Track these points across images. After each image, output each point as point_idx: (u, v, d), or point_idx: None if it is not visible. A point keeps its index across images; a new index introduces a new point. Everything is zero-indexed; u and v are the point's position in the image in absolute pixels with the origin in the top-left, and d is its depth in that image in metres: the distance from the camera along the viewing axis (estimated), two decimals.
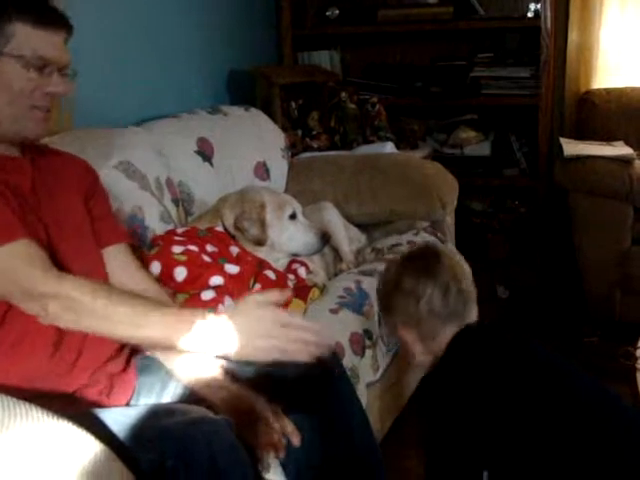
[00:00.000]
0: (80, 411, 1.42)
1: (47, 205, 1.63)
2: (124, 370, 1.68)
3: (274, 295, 1.49)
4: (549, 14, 3.66)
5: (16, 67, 1.52)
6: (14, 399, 1.10)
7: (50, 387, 1.50)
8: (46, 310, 1.42)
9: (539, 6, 3.72)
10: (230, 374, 1.66)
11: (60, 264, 1.56)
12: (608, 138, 3.52)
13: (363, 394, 2.12)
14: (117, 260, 1.79)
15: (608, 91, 3.74)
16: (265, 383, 1.64)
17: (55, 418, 1.09)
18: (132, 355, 1.75)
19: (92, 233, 1.74)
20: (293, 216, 2.43)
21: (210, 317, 1.45)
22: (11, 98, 1.53)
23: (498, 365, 1.48)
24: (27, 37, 1.52)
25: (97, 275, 1.70)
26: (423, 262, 1.75)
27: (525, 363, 1.51)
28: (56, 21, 1.58)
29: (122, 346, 1.71)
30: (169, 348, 1.52)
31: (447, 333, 1.68)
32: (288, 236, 2.41)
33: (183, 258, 2.01)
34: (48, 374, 1.51)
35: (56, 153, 1.79)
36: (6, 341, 1.48)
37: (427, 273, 1.71)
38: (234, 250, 2.16)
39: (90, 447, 1.13)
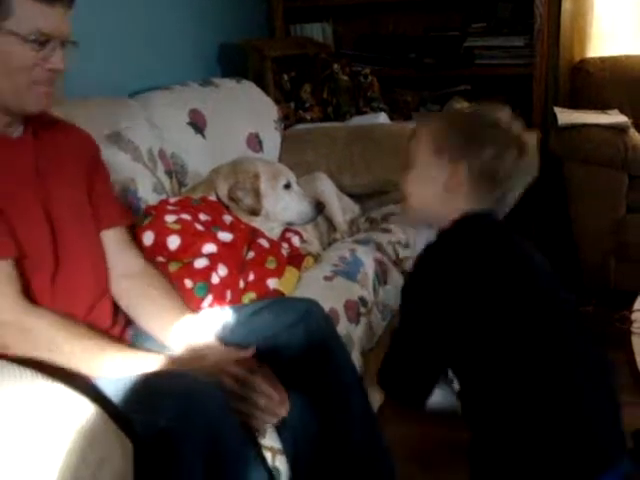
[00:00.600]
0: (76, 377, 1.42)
1: (50, 185, 1.62)
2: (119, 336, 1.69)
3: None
4: None
5: (15, 43, 1.48)
6: (7, 361, 1.10)
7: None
8: (3, 337, 1.42)
9: None
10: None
11: (63, 245, 1.59)
12: (603, 107, 3.50)
13: (358, 361, 2.12)
14: (114, 244, 1.79)
15: (602, 59, 3.72)
16: (260, 352, 1.65)
17: (49, 380, 1.09)
18: (126, 326, 1.76)
19: (92, 214, 1.74)
20: (287, 186, 2.42)
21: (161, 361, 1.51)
22: (10, 74, 1.49)
23: (483, 258, 1.40)
24: (27, 12, 1.47)
25: (97, 257, 1.72)
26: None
27: (504, 259, 1.43)
28: None
29: (115, 319, 1.71)
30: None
31: (466, 206, 1.46)
32: (282, 205, 2.40)
33: (176, 227, 1.99)
34: None
35: (59, 125, 1.76)
36: None
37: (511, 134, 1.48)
38: (227, 219, 2.15)
39: (84, 408, 1.13)
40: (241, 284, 2.01)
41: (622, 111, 3.45)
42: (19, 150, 1.60)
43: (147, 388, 1.39)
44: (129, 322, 1.77)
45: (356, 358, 2.10)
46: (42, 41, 1.49)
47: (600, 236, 3.27)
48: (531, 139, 1.53)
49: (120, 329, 1.73)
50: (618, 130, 3.20)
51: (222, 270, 1.95)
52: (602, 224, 3.26)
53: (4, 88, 1.50)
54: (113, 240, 1.78)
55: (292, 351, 1.66)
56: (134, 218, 1.99)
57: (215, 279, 1.93)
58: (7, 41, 1.47)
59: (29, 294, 1.50)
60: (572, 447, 1.29)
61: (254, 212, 2.32)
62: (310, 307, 1.75)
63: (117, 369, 1.48)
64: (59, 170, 1.66)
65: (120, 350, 1.52)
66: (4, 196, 1.50)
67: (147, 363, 1.50)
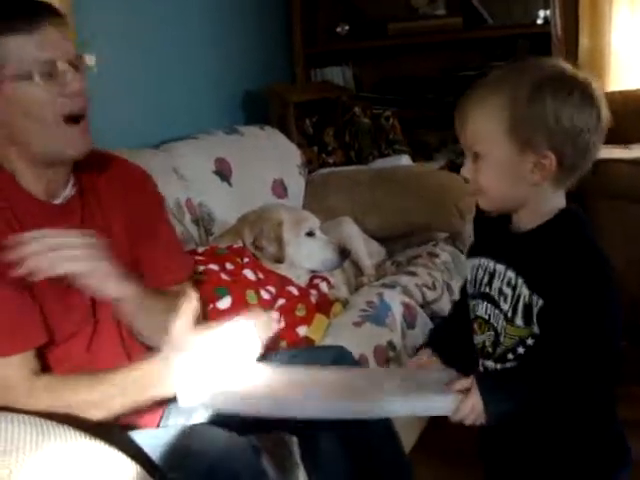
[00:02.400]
0: (112, 432, 1.43)
1: None
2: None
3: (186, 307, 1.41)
4: (558, 20, 3.67)
5: (25, 86, 1.38)
6: (47, 420, 1.12)
7: None
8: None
9: (548, 12, 3.73)
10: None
11: (101, 311, 1.54)
12: (624, 141, 3.50)
13: None
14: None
15: (622, 93, 3.73)
16: None
17: (89, 438, 1.11)
18: None
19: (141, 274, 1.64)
20: (311, 233, 2.44)
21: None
22: (35, 117, 1.40)
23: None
24: (19, 49, 1.37)
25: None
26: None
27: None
28: (41, 15, 1.40)
29: None
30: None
31: (555, 194, 1.30)
32: (306, 253, 2.42)
33: (203, 277, 2.02)
34: None
35: (106, 163, 1.64)
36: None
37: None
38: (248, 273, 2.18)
39: (124, 467, 1.14)
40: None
41: None
42: (65, 216, 1.51)
43: (183, 446, 1.39)
44: None
45: None
46: (48, 71, 1.39)
47: (627, 271, 3.25)
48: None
49: None
50: None
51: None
52: (629, 259, 3.24)
53: (35, 134, 1.42)
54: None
55: None
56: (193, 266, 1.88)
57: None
58: (15, 87, 1.39)
59: (67, 358, 1.48)
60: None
61: (278, 260, 2.35)
62: (341, 354, 1.76)
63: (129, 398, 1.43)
64: (105, 232, 1.56)
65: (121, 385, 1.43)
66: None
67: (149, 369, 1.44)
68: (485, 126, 1.26)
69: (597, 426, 1.33)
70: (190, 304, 1.41)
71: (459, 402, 1.28)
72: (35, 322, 1.41)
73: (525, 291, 1.28)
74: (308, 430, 1.66)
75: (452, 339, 1.50)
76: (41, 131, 1.42)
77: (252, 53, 3.75)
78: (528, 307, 1.28)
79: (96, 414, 1.40)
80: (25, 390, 1.37)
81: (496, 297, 1.34)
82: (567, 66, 1.28)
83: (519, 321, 1.30)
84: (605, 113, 1.26)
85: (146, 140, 2.77)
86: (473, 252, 1.44)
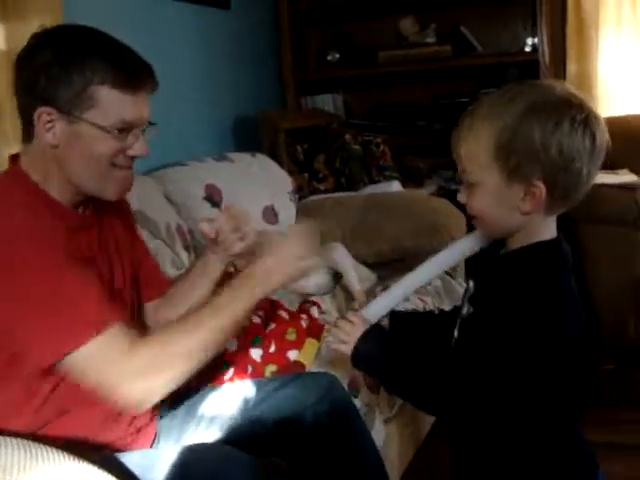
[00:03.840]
0: (101, 455, 1.43)
1: (111, 261, 1.61)
2: (151, 420, 1.69)
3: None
4: (546, 47, 3.71)
5: (97, 133, 1.43)
6: (35, 442, 1.11)
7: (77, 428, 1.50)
8: (140, 390, 1.38)
9: (536, 40, 3.78)
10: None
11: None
12: (612, 166, 3.53)
13: (381, 430, 2.11)
14: (155, 315, 1.79)
15: (610, 120, 3.69)
16: (279, 427, 1.66)
17: (77, 461, 1.10)
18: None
19: (139, 284, 1.74)
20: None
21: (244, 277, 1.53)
22: (91, 161, 1.45)
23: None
24: (112, 103, 1.42)
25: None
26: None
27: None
28: (145, 79, 1.48)
29: None
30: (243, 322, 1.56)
31: (544, 222, 1.30)
32: None
33: None
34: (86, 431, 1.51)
35: None
36: (53, 404, 1.45)
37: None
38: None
39: None
40: (261, 356, 2.03)
41: (632, 170, 3.49)
42: (86, 227, 1.56)
43: (178, 464, 1.39)
44: None
45: (378, 427, 2.10)
46: (124, 128, 1.45)
47: (618, 295, 3.27)
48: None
49: None
50: (629, 189, 3.23)
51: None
52: (619, 283, 3.26)
53: (85, 174, 1.47)
54: (154, 312, 1.79)
55: (317, 429, 1.66)
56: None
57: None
58: (89, 130, 1.43)
59: None
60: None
61: None
62: (332, 383, 1.76)
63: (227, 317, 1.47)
64: (114, 245, 1.64)
65: (216, 304, 1.50)
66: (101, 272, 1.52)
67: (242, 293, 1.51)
68: (475, 154, 1.27)
69: (544, 445, 1.32)
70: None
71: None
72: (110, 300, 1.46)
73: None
74: (299, 458, 1.66)
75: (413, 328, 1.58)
76: (91, 172, 1.47)
77: (243, 80, 3.78)
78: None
79: (203, 352, 1.44)
80: (127, 360, 1.37)
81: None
82: (562, 90, 1.27)
83: None
84: (601, 137, 1.25)
85: (137, 166, 2.76)
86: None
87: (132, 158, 1.51)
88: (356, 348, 1.39)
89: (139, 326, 1.69)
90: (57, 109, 1.41)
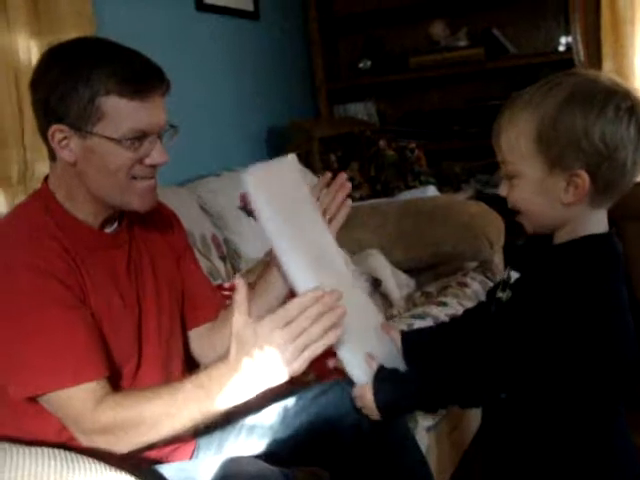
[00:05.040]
0: (139, 466, 1.41)
1: (140, 285, 1.56)
2: (191, 437, 1.67)
3: (240, 298, 1.31)
4: (581, 46, 3.66)
5: (111, 146, 1.39)
6: (71, 453, 1.10)
7: None
8: (100, 445, 1.35)
9: (570, 39, 3.72)
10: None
11: (146, 344, 1.54)
12: None
13: (423, 439, 2.07)
14: (201, 337, 1.72)
15: None
16: (320, 435, 1.63)
17: (114, 471, 1.09)
18: None
19: (180, 310, 1.68)
20: None
21: (219, 367, 1.34)
22: (109, 174, 1.42)
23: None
24: (121, 112, 1.38)
25: (174, 361, 1.63)
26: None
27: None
28: (154, 83, 1.42)
29: None
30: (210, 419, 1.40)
31: (591, 213, 1.25)
32: None
33: None
34: None
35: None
36: None
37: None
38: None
39: None
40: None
41: None
42: (115, 249, 1.53)
43: (216, 477, 1.37)
44: None
45: (421, 435, 2.06)
46: (139, 138, 1.41)
47: None
48: None
49: None
50: None
51: None
52: None
53: (106, 188, 1.43)
54: (203, 335, 1.72)
55: (359, 436, 1.62)
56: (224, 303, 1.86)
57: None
58: (102, 144, 1.39)
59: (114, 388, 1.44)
60: None
61: None
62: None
63: (197, 405, 1.35)
64: (150, 266, 1.59)
65: (189, 389, 1.36)
66: (102, 303, 1.45)
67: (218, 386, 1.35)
68: (515, 144, 1.24)
69: (588, 441, 1.29)
70: (242, 295, 1.32)
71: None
72: (102, 352, 1.40)
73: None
74: (341, 466, 1.63)
75: (426, 346, 1.52)
76: (112, 186, 1.43)
77: (275, 90, 3.79)
78: None
79: (170, 426, 1.35)
80: (91, 414, 1.34)
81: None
82: (605, 78, 1.23)
83: None
84: None
85: (171, 178, 2.78)
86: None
87: (152, 167, 1.47)
88: (378, 407, 1.35)
89: (176, 351, 1.64)
90: (69, 126, 1.39)
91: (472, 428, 2.56)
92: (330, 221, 1.54)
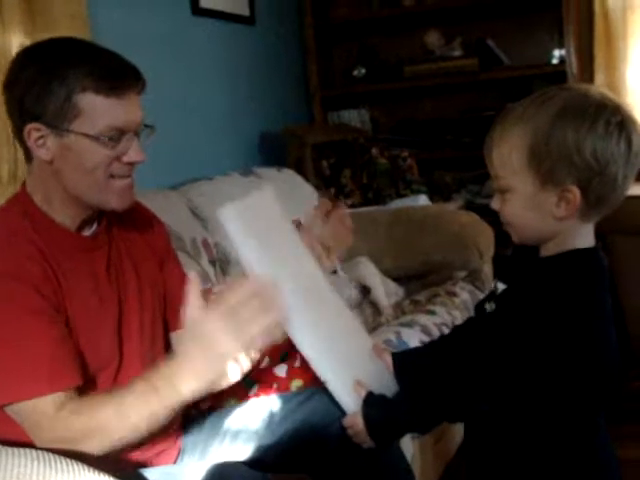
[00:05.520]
0: (123, 469, 1.41)
1: (120, 287, 1.56)
2: (174, 442, 1.67)
3: (192, 290, 1.33)
4: (574, 59, 3.68)
5: (88, 143, 1.40)
6: (54, 454, 1.10)
7: None
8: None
9: (563, 52, 3.75)
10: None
11: (127, 348, 1.54)
12: None
13: (409, 448, 2.08)
14: None
15: None
16: (305, 441, 1.63)
17: (97, 473, 1.09)
18: (181, 425, 1.73)
19: (163, 311, 1.68)
20: (334, 271, 2.43)
21: (169, 364, 1.36)
22: (87, 173, 1.42)
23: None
24: (97, 109, 1.39)
25: (155, 357, 1.61)
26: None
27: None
28: (130, 81, 1.43)
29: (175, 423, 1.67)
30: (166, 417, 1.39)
31: (580, 227, 1.26)
32: None
33: None
34: None
35: (132, 211, 1.64)
36: None
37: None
38: None
39: None
40: (286, 371, 2.01)
41: None
42: (93, 251, 1.53)
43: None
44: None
45: (406, 443, 2.06)
46: (115, 136, 1.42)
47: None
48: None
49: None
50: None
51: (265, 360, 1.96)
52: None
53: (83, 186, 1.44)
54: None
55: (344, 443, 1.62)
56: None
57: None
58: (79, 142, 1.40)
59: (93, 390, 1.45)
60: None
61: None
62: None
63: (146, 405, 1.35)
64: (132, 267, 1.60)
65: (138, 391, 1.36)
66: (79, 307, 1.45)
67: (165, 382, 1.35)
68: (507, 159, 1.25)
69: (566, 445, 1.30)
70: (194, 286, 1.35)
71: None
72: (71, 361, 1.40)
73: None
74: (325, 473, 1.63)
75: (420, 367, 1.51)
76: (89, 184, 1.44)
77: (269, 95, 3.79)
78: None
79: (121, 428, 1.35)
80: (49, 424, 1.34)
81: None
82: (595, 92, 1.24)
83: None
84: (637, 140, 1.21)
85: (164, 181, 2.78)
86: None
87: (130, 165, 1.47)
88: (370, 434, 1.38)
89: (163, 353, 1.64)
90: (45, 124, 1.40)
91: (457, 439, 2.56)
92: (329, 250, 1.53)
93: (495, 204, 1.30)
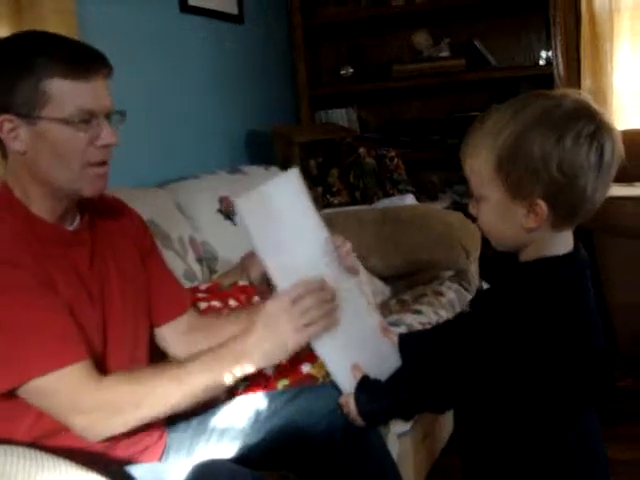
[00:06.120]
0: (109, 466, 1.41)
1: (104, 280, 1.57)
2: (159, 437, 1.67)
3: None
4: (561, 61, 3.70)
5: (60, 129, 1.41)
6: (42, 452, 1.10)
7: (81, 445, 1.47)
8: (94, 424, 1.38)
9: (550, 53, 3.76)
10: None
11: (112, 339, 1.55)
12: (629, 179, 3.50)
13: (394, 445, 2.08)
14: (176, 333, 1.75)
15: (626, 133, 3.70)
16: (291, 439, 1.64)
17: (83, 470, 1.09)
18: (166, 422, 1.72)
19: (148, 307, 1.69)
20: None
21: (241, 342, 1.45)
22: (63, 159, 1.43)
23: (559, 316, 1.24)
24: (65, 93, 1.39)
25: (138, 357, 1.65)
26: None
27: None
28: (96, 65, 1.44)
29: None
30: (218, 389, 1.51)
31: (551, 236, 1.28)
32: None
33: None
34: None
35: (109, 204, 1.69)
36: (45, 424, 1.43)
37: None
38: (257, 301, 2.17)
39: None
40: (273, 370, 2.01)
41: None
42: (76, 246, 1.54)
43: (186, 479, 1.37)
44: None
45: (392, 441, 2.07)
46: (86, 119, 1.42)
47: (635, 309, 3.23)
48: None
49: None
50: None
51: None
52: (636, 297, 3.22)
53: (58, 174, 1.44)
54: (175, 330, 1.75)
55: (330, 441, 1.63)
56: (193, 298, 1.94)
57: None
58: (51, 128, 1.41)
59: None
60: None
61: None
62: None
63: (206, 375, 1.44)
64: (113, 262, 1.61)
65: (201, 360, 1.46)
66: (71, 299, 1.46)
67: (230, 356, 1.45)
68: (478, 170, 1.26)
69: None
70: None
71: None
72: (79, 334, 1.42)
73: None
74: (311, 471, 1.64)
75: (421, 349, 1.54)
76: (64, 171, 1.45)
77: (257, 94, 3.79)
78: None
79: (192, 393, 1.43)
80: (89, 394, 1.37)
81: None
82: (572, 101, 1.23)
83: None
84: (611, 150, 1.21)
85: (151, 179, 2.78)
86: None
87: (105, 151, 1.48)
88: (360, 415, 1.46)
89: (146, 351, 1.66)
90: (16, 115, 1.41)
91: (444, 436, 2.57)
92: None
93: (472, 210, 1.33)
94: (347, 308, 1.48)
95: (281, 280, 1.43)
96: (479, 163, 1.25)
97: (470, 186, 1.31)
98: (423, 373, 1.42)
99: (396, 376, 1.48)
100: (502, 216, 1.26)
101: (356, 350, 1.50)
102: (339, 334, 1.46)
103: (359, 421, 1.47)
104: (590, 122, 1.20)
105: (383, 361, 1.51)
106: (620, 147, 1.23)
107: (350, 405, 1.46)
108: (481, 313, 1.34)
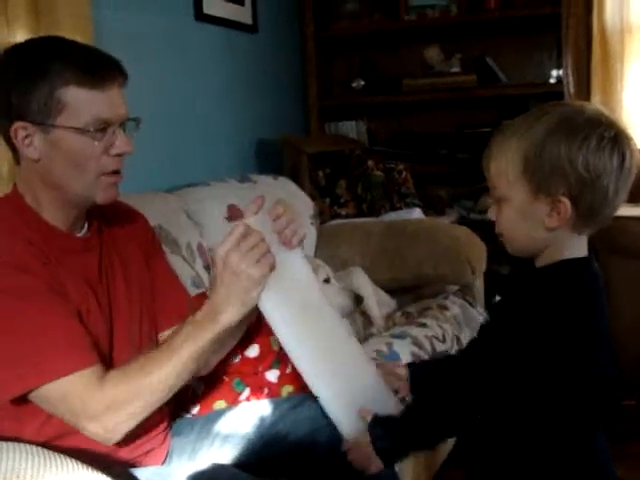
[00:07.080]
0: (113, 468, 1.42)
1: (111, 286, 1.58)
2: (163, 441, 1.68)
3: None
4: (571, 79, 3.71)
5: (75, 137, 1.41)
6: (49, 451, 1.11)
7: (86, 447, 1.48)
8: (105, 425, 1.38)
9: (561, 72, 3.77)
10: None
11: (118, 345, 1.56)
12: (635, 199, 3.50)
13: None
14: None
15: None
16: (294, 446, 1.64)
17: (90, 470, 1.10)
18: (169, 425, 1.74)
19: (153, 312, 1.69)
20: (327, 280, 2.45)
21: (210, 301, 1.43)
22: (78, 167, 1.44)
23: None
24: (81, 102, 1.40)
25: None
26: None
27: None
28: (112, 73, 1.44)
29: (163, 422, 1.69)
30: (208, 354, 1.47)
31: (571, 239, 1.31)
32: None
33: None
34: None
35: (117, 210, 1.70)
36: (53, 427, 1.44)
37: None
38: None
39: None
40: (277, 377, 2.01)
41: None
42: (86, 252, 1.55)
43: None
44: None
45: None
46: (102, 128, 1.43)
47: (636, 329, 3.23)
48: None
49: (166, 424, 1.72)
50: None
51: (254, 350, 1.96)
52: (637, 317, 3.22)
53: (72, 182, 1.45)
54: None
55: (333, 450, 1.63)
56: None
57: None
58: (66, 136, 1.41)
59: None
60: None
61: None
62: None
63: (191, 346, 1.41)
64: (120, 268, 1.61)
65: (185, 332, 1.43)
66: (81, 305, 1.47)
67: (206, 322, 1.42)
68: (503, 170, 1.30)
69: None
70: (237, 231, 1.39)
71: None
72: (89, 339, 1.42)
73: None
74: (312, 477, 1.64)
75: (433, 379, 1.55)
76: (78, 180, 1.45)
77: (267, 104, 3.81)
78: None
79: (185, 366, 1.41)
80: (94, 394, 1.36)
81: None
82: (591, 109, 1.28)
83: None
84: (632, 156, 1.26)
85: (161, 186, 2.79)
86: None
87: (118, 159, 1.49)
88: (378, 454, 1.40)
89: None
90: (31, 122, 1.41)
91: (445, 448, 2.57)
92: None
93: (491, 214, 1.36)
94: (345, 352, 1.52)
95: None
96: (505, 163, 1.29)
97: (492, 190, 1.34)
98: (439, 401, 1.40)
99: (410, 408, 1.48)
100: (524, 216, 1.30)
101: (357, 395, 1.51)
102: (338, 377, 1.48)
103: (369, 466, 1.41)
104: (610, 128, 1.25)
105: (382, 407, 1.50)
106: (638, 155, 1.27)
107: (361, 447, 1.42)
108: (506, 322, 1.34)
